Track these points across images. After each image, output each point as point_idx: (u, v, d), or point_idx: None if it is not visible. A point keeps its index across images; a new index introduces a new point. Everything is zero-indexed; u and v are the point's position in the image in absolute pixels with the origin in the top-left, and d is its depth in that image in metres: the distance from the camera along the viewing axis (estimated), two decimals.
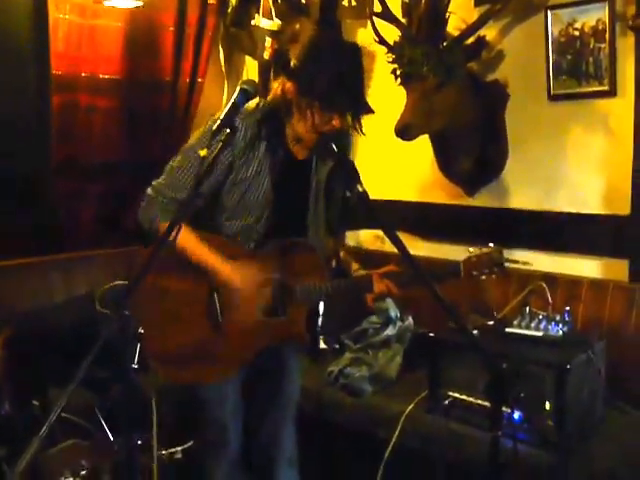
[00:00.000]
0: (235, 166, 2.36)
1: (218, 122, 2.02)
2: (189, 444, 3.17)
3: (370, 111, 2.31)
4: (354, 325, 3.63)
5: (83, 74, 3.83)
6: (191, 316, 2.41)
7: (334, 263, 2.53)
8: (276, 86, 2.36)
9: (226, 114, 2.04)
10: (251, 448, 2.71)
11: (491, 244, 2.43)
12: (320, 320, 3.80)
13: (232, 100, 2.06)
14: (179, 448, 3.16)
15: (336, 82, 2.21)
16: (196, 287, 2.41)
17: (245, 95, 2.09)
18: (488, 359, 1.66)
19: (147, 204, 2.43)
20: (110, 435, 2.98)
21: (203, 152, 1.98)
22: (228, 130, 2.02)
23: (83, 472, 2.61)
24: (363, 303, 2.43)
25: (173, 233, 1.83)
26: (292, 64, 2.32)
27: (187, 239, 2.29)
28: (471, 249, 2.44)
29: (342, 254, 2.57)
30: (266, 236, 2.46)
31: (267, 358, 2.53)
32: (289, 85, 2.30)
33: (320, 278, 2.45)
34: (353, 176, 2.08)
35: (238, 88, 2.09)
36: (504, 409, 1.73)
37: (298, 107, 2.29)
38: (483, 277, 2.42)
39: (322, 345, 3.77)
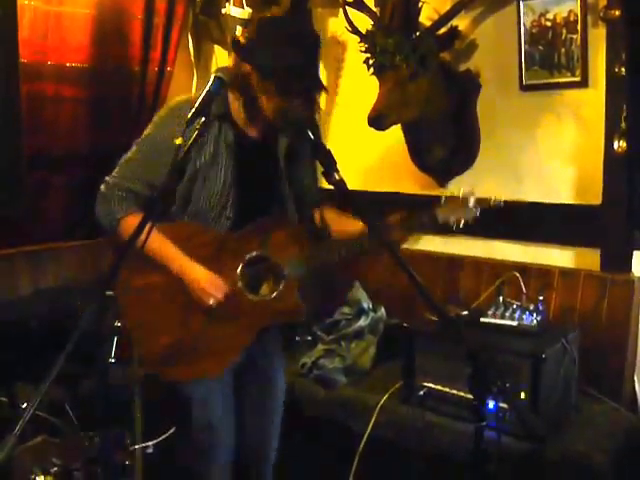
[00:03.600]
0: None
1: (193, 110, 1.98)
2: (160, 438, 3.14)
3: (323, 89, 2.31)
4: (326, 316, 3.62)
5: (49, 62, 3.74)
6: (180, 309, 2.38)
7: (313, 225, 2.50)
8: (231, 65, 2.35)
9: (201, 102, 1.99)
10: (238, 446, 2.66)
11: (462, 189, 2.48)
12: None
13: (207, 88, 2.02)
14: (150, 443, 3.12)
15: (286, 66, 2.20)
16: (179, 280, 2.37)
17: (220, 83, 2.05)
18: (473, 351, 1.65)
19: (102, 201, 2.40)
20: (81, 431, 2.93)
21: (178, 140, 1.93)
22: (203, 119, 1.98)
23: (54, 470, 2.54)
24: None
25: (143, 234, 1.80)
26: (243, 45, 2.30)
27: (153, 239, 2.11)
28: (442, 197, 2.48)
29: (317, 216, 2.53)
30: (238, 217, 2.43)
31: (255, 354, 2.52)
32: (246, 67, 2.28)
33: (304, 249, 2.42)
34: (330, 163, 2.05)
35: (212, 76, 2.05)
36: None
37: (258, 88, 2.27)
38: (461, 225, 2.48)
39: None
